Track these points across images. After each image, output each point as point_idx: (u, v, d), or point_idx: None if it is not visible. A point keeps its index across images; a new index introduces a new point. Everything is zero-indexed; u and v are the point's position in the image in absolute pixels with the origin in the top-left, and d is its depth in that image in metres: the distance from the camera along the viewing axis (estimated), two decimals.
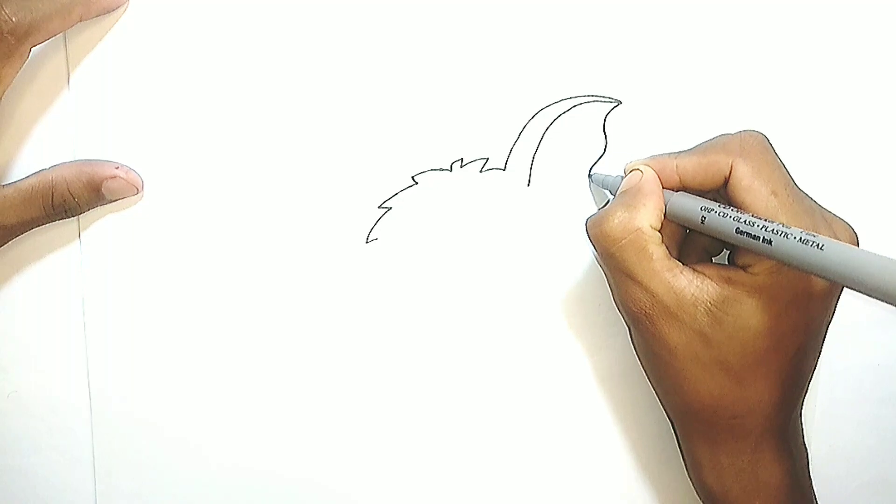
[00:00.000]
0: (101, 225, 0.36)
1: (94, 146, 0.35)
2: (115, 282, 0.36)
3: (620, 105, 0.36)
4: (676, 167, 0.32)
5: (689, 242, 0.35)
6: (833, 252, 0.26)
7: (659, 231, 0.32)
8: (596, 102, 0.36)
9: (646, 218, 0.31)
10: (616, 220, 0.31)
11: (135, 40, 0.34)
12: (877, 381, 0.38)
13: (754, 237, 0.29)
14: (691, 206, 0.31)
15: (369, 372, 0.38)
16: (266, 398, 0.38)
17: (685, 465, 0.35)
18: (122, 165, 0.35)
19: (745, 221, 0.29)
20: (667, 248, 0.32)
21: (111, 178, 0.34)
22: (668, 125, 0.36)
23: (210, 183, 0.36)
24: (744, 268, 0.31)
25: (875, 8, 0.35)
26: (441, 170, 0.36)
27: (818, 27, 0.35)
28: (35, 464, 0.38)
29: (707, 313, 0.31)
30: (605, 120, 0.36)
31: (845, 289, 0.37)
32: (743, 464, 0.33)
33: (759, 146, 0.32)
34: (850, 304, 0.37)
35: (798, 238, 0.27)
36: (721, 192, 0.32)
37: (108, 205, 0.35)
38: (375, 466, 0.39)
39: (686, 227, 0.34)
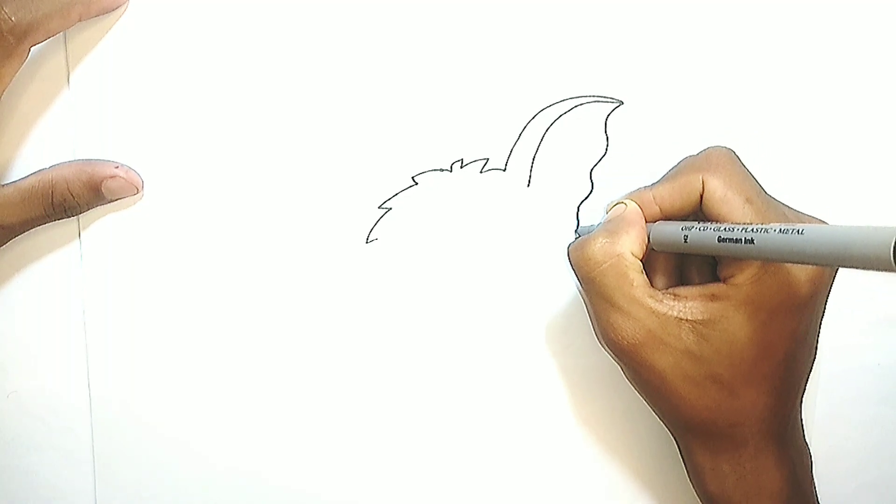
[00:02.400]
0: (100, 225, 0.36)
1: (93, 146, 0.35)
2: (115, 282, 0.36)
3: (622, 105, 0.36)
4: (654, 197, 0.33)
5: (682, 272, 0.35)
6: (814, 233, 0.26)
7: (641, 260, 0.32)
8: (597, 103, 0.36)
9: (627, 244, 0.32)
10: (597, 245, 0.32)
11: (135, 40, 0.34)
12: (877, 381, 0.38)
13: (736, 241, 0.29)
14: (672, 230, 0.32)
15: (369, 372, 0.38)
16: (266, 399, 0.38)
17: (687, 472, 0.35)
18: (122, 165, 0.35)
19: (725, 229, 0.30)
20: (663, 278, 0.33)
21: (111, 177, 0.34)
22: (669, 126, 0.36)
23: (210, 183, 0.36)
24: (726, 280, 0.31)
25: (876, 8, 0.35)
26: (441, 170, 0.36)
27: (820, 27, 0.35)
28: (35, 464, 0.38)
29: (692, 332, 0.31)
30: (606, 120, 0.36)
31: (845, 290, 0.37)
32: (744, 470, 0.33)
33: (726, 159, 0.32)
34: (850, 305, 0.37)
35: (778, 230, 0.28)
36: (699, 214, 0.32)
37: (107, 205, 0.35)
38: (375, 466, 0.39)
39: (676, 257, 0.34)
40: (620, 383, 0.38)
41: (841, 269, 0.37)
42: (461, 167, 0.36)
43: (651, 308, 0.31)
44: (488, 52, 0.35)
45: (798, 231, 0.27)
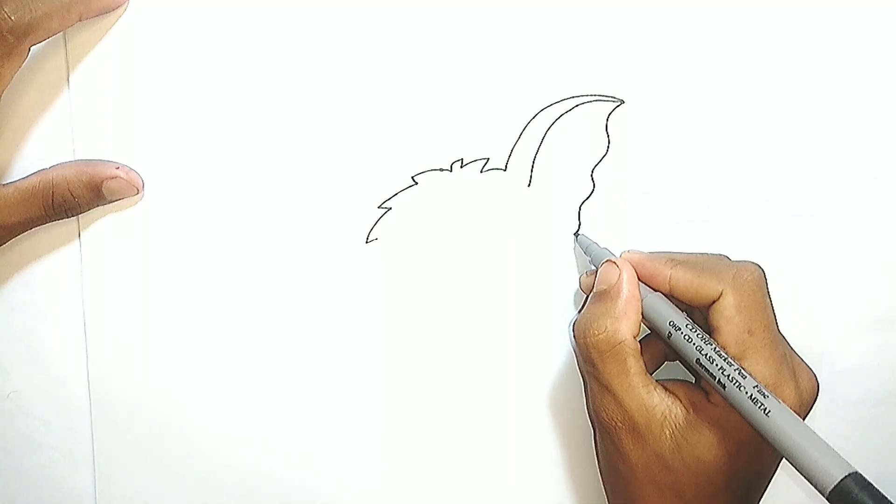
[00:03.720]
0: (100, 225, 0.36)
1: (93, 146, 0.35)
2: (115, 282, 0.36)
3: (623, 105, 0.35)
4: (670, 278, 0.32)
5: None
6: (776, 421, 0.27)
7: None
8: (598, 102, 0.35)
9: (629, 329, 0.32)
10: (602, 334, 0.32)
11: (135, 40, 0.34)
12: (877, 381, 0.38)
13: (711, 374, 0.30)
14: (661, 318, 0.32)
15: (369, 371, 0.38)
16: (266, 398, 0.38)
17: None
18: (123, 165, 0.34)
19: (706, 355, 0.30)
20: (654, 347, 0.34)
21: (111, 177, 0.34)
22: (670, 125, 0.36)
23: (210, 183, 0.36)
24: (706, 393, 0.32)
25: (876, 8, 0.35)
26: (441, 170, 0.36)
27: (820, 27, 0.35)
28: (35, 464, 0.38)
29: (671, 437, 0.31)
30: (607, 120, 0.36)
31: (845, 290, 0.37)
32: None
33: (752, 281, 0.32)
34: (850, 305, 0.37)
35: (749, 395, 0.28)
36: (702, 310, 0.32)
37: (107, 205, 0.35)
38: (375, 465, 0.39)
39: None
40: None
41: (841, 269, 0.37)
42: (461, 167, 0.36)
43: (642, 401, 0.31)
44: (488, 53, 0.35)
45: (766, 410, 0.28)
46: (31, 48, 0.31)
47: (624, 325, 0.32)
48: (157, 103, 0.35)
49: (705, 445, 0.31)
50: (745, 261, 0.33)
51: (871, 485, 0.26)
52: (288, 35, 0.34)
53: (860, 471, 0.27)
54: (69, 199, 0.34)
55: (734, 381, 0.29)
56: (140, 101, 0.34)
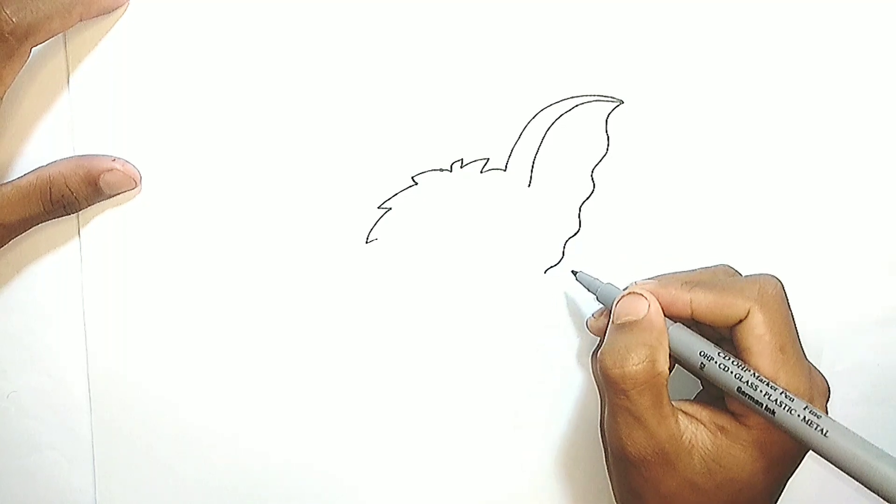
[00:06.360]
0: (100, 225, 0.36)
1: (93, 146, 0.35)
2: (115, 281, 0.36)
3: (622, 105, 0.35)
4: (691, 302, 0.31)
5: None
6: (837, 441, 0.27)
7: None
8: (598, 102, 0.35)
9: (664, 360, 0.31)
10: (641, 365, 0.30)
11: (135, 40, 0.34)
12: (877, 381, 0.38)
13: (756, 402, 0.29)
14: (689, 349, 0.31)
15: (369, 371, 0.38)
16: (266, 398, 0.38)
17: None
18: (119, 158, 0.34)
19: (748, 382, 0.29)
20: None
21: (108, 171, 0.34)
22: (670, 125, 0.36)
23: (210, 183, 0.36)
24: (737, 416, 0.31)
25: (876, 8, 0.35)
26: (441, 170, 0.36)
27: (820, 27, 0.35)
28: (35, 464, 0.38)
29: (701, 462, 0.31)
30: (606, 120, 0.36)
31: (845, 290, 0.37)
32: None
33: (777, 296, 0.31)
34: (850, 305, 0.37)
35: (802, 418, 0.28)
36: (722, 330, 0.32)
37: (107, 205, 0.35)
38: (374, 464, 0.39)
39: None
40: None
41: (841, 269, 0.37)
42: (461, 167, 0.36)
43: (671, 430, 0.31)
44: (488, 52, 0.35)
45: (823, 431, 0.27)
46: (32, 49, 0.31)
47: (661, 357, 0.31)
48: (157, 104, 0.35)
49: (739, 466, 0.31)
50: (764, 274, 0.32)
51: None
52: (288, 35, 0.34)
53: None
54: (67, 194, 0.33)
55: (783, 405, 0.28)
56: (140, 101, 0.34)
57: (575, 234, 0.37)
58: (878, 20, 0.35)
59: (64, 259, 0.36)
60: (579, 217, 0.37)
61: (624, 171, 0.36)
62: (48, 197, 0.33)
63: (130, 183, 0.35)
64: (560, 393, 0.38)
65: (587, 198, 0.36)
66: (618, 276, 0.35)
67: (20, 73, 0.32)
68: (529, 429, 0.39)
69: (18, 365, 0.37)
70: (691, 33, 0.35)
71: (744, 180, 0.36)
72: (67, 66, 0.34)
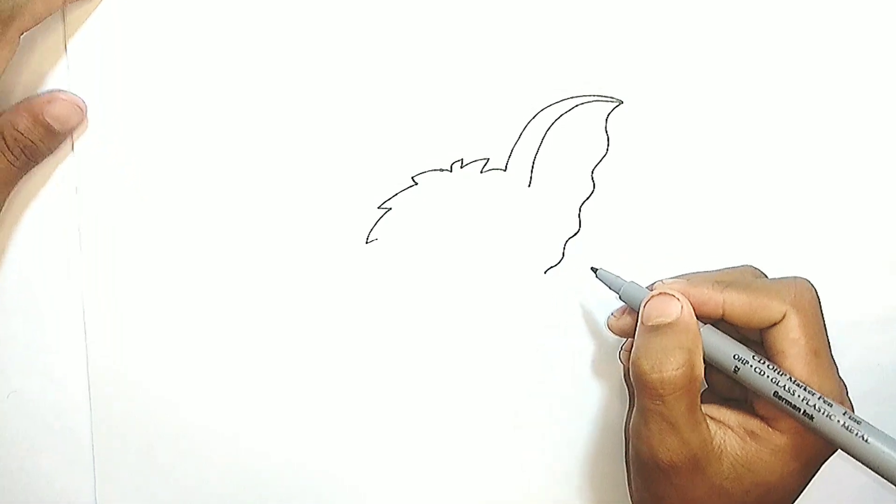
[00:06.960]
0: (100, 225, 0.36)
1: (93, 145, 0.35)
2: (115, 281, 0.36)
3: (622, 105, 0.35)
4: (724, 302, 0.31)
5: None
6: (879, 447, 0.27)
7: None
8: (597, 102, 0.35)
9: (701, 364, 0.30)
10: (681, 369, 0.30)
11: (134, 40, 0.34)
12: (877, 381, 0.38)
13: (794, 406, 0.29)
14: (722, 352, 0.31)
15: (369, 372, 0.38)
16: (266, 399, 0.38)
17: None
18: (63, 90, 0.33)
19: (784, 387, 0.29)
20: None
21: (48, 102, 0.32)
22: (670, 125, 0.36)
23: (210, 183, 0.36)
24: (766, 420, 0.31)
25: (876, 8, 0.35)
26: (441, 170, 0.36)
27: (820, 26, 0.35)
28: (35, 464, 0.38)
29: (731, 467, 0.30)
30: (606, 120, 0.36)
31: (845, 290, 0.37)
32: None
33: (812, 300, 0.31)
34: (850, 304, 0.37)
35: (842, 423, 0.28)
36: (753, 331, 0.32)
37: (107, 205, 0.35)
38: (375, 465, 0.39)
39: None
40: (621, 383, 0.38)
41: (841, 269, 0.37)
42: (461, 167, 0.36)
43: (703, 436, 0.30)
44: (488, 52, 0.35)
45: (863, 437, 0.27)
46: (30, 47, 0.31)
47: (698, 360, 0.30)
48: (157, 102, 0.34)
49: (769, 470, 0.30)
50: (798, 277, 0.32)
51: None
52: (288, 34, 0.34)
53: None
54: (20, 137, 0.32)
55: (822, 410, 0.28)
56: (140, 100, 0.34)
57: (575, 234, 0.37)
58: (878, 20, 0.35)
59: (64, 259, 0.36)
60: (579, 217, 0.36)
61: (624, 171, 0.36)
62: (4, 145, 0.32)
63: (77, 112, 0.33)
64: (560, 393, 0.38)
65: (587, 198, 0.36)
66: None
67: (19, 72, 0.32)
68: (529, 429, 0.39)
69: (18, 365, 0.37)
70: (691, 33, 0.35)
71: (744, 180, 0.36)
72: (68, 66, 0.34)
